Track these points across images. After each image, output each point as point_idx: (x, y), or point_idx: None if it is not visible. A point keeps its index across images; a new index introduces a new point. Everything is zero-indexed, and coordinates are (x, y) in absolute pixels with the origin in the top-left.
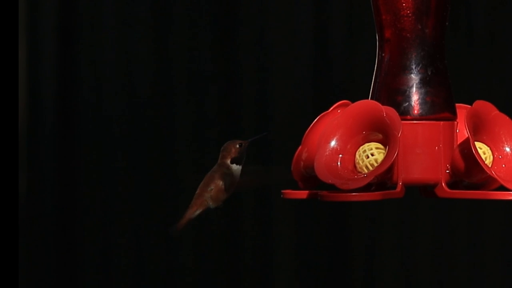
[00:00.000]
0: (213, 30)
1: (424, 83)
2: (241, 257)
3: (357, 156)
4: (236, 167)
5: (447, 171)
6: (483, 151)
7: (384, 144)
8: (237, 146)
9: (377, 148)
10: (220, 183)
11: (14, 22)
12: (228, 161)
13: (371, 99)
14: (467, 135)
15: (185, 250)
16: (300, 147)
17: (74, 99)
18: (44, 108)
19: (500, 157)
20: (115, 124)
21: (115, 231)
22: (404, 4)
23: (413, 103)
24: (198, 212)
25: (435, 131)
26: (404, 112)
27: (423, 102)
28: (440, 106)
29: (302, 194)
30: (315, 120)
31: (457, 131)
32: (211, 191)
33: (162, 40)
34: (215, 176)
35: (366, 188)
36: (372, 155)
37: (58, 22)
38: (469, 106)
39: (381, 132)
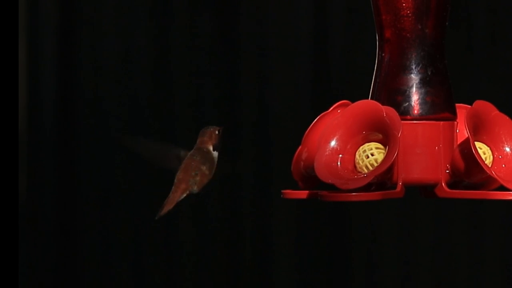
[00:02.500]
0: (213, 31)
1: (424, 83)
2: (241, 257)
3: (357, 156)
4: (215, 153)
5: (447, 171)
6: (483, 151)
7: (384, 144)
8: (217, 132)
9: (377, 148)
10: (204, 168)
11: (14, 22)
12: (210, 147)
13: (371, 99)
14: (467, 135)
15: (185, 250)
16: (300, 147)
17: (74, 99)
18: (44, 108)
19: (500, 157)
20: (115, 124)
21: (115, 231)
22: (404, 4)
23: (413, 103)
24: (182, 196)
25: (435, 131)
26: (404, 112)
27: (423, 102)
28: (440, 106)
29: (302, 194)
30: (315, 120)
31: (457, 131)
32: (195, 176)
33: (163, 40)
34: (199, 161)
35: (366, 188)
36: (372, 155)
37: (58, 22)
38: (469, 106)
39: (381, 132)
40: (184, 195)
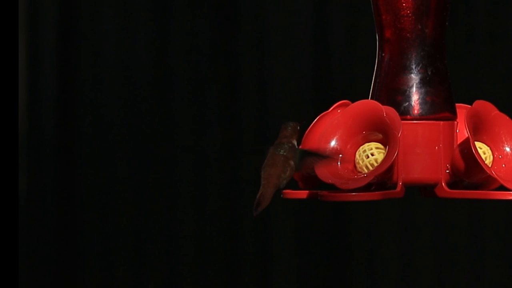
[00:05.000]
0: (213, 30)
1: (424, 83)
2: (241, 257)
3: (357, 156)
4: (298, 148)
5: (447, 171)
6: (483, 151)
7: (384, 144)
8: (298, 127)
9: (377, 148)
10: (292, 163)
11: (14, 22)
12: (294, 141)
13: (371, 99)
14: (467, 135)
15: (185, 250)
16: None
17: (74, 99)
18: (44, 109)
19: (500, 157)
20: (115, 125)
21: (115, 231)
22: (404, 4)
23: (413, 103)
24: (274, 191)
25: (435, 131)
26: (404, 112)
27: (423, 102)
28: (440, 106)
29: (302, 194)
30: (315, 120)
31: (457, 131)
32: (286, 171)
33: (163, 41)
34: (286, 155)
35: (366, 188)
36: (372, 155)
37: (58, 22)
38: (469, 106)
39: (381, 132)
40: (275, 190)
